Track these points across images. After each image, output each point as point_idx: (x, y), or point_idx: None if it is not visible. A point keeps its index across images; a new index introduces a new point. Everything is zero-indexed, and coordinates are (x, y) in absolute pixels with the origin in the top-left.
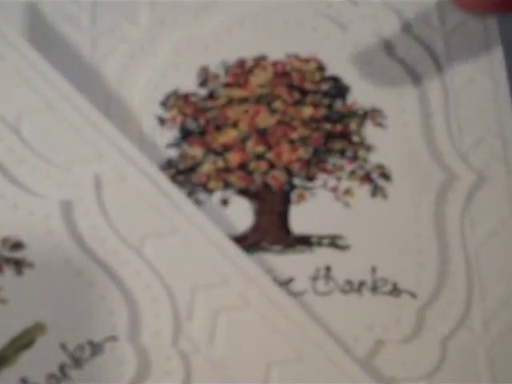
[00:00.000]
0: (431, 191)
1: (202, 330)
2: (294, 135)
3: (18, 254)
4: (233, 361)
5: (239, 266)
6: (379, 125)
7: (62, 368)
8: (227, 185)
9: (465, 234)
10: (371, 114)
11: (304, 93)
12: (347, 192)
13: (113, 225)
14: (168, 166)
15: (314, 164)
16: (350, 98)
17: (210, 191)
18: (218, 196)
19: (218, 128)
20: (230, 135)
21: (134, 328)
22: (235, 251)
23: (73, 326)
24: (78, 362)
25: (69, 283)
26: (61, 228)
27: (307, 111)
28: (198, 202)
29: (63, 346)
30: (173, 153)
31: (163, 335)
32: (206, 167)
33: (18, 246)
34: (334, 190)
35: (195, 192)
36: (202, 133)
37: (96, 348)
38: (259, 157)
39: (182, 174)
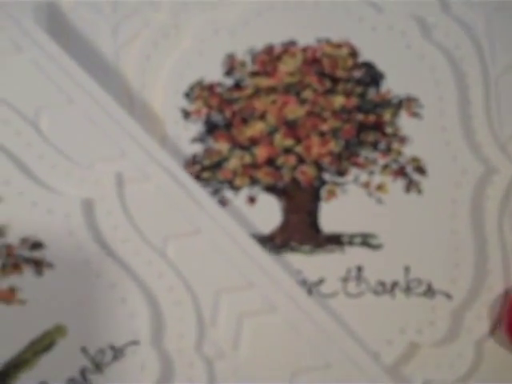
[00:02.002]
0: (469, 185)
1: (226, 334)
2: (325, 127)
3: (37, 254)
4: (257, 368)
5: (265, 269)
6: (415, 114)
7: (83, 372)
8: (254, 181)
9: (503, 230)
10: (406, 103)
11: (335, 81)
12: (380, 187)
13: (135, 225)
14: (193, 162)
15: (346, 158)
16: (385, 86)
17: (236, 188)
18: (244, 193)
19: (245, 120)
20: (257, 128)
21: (156, 332)
22: (261, 253)
23: (94, 329)
24: (98, 367)
25: (89, 285)
26: (81, 227)
27: (338, 101)
28: (224, 200)
29: (84, 350)
30: (198, 148)
31: (186, 340)
32: (233, 163)
33: (37, 245)
34: (366, 185)
35: (221, 189)
36: (228, 126)
37: (117, 352)
38: (287, 151)
39: (207, 170)
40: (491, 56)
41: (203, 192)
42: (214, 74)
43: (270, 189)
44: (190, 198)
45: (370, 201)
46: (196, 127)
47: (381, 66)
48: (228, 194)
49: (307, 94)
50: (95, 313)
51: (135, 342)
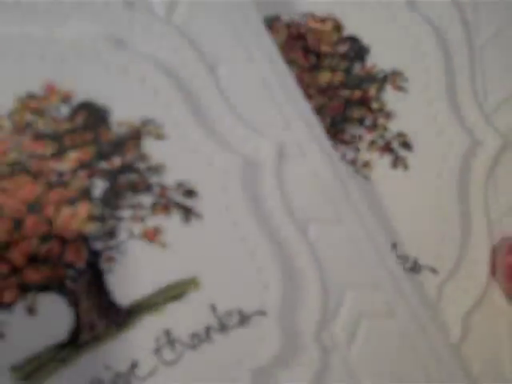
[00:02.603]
0: (455, 159)
1: (343, 328)
2: (311, 104)
3: (188, 202)
4: (364, 368)
5: (392, 275)
6: (400, 88)
7: (208, 330)
8: None
9: (488, 203)
10: (392, 77)
11: (320, 56)
12: (366, 164)
13: (284, 199)
14: None
15: (332, 135)
16: (370, 60)
17: None
18: None
19: None
20: None
21: (283, 308)
22: (391, 258)
23: (226, 290)
24: (224, 328)
25: (232, 247)
26: (236, 187)
27: (324, 77)
28: None
29: (213, 308)
30: None
31: (307, 323)
32: None
33: (191, 193)
34: (353, 162)
35: None
36: None
37: (244, 318)
38: None
39: None
40: (476, 26)
41: (353, 183)
42: None
43: None
44: (341, 187)
45: (357, 178)
46: None
47: (366, 39)
48: None
49: (293, 70)
50: (231, 274)
51: (263, 313)
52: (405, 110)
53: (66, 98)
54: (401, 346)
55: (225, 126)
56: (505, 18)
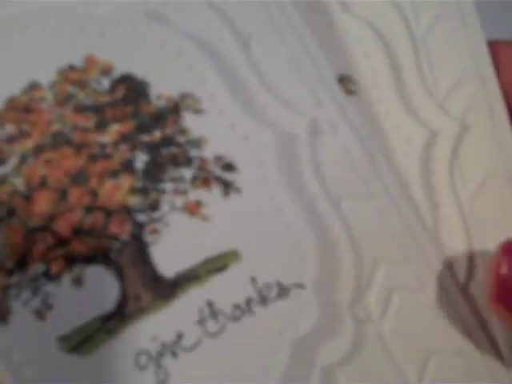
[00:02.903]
0: (415, 153)
1: (377, 302)
2: None
3: (228, 176)
4: (396, 340)
5: (421, 248)
6: (350, 92)
7: (249, 302)
8: None
9: (456, 190)
10: (341, 83)
11: None
12: None
13: (317, 173)
14: None
15: None
16: None
17: None
18: None
19: None
20: None
21: (320, 280)
22: (421, 232)
23: (265, 263)
24: (263, 300)
25: (269, 220)
26: (271, 161)
27: None
28: None
29: (253, 280)
30: None
31: (343, 296)
32: None
33: (230, 167)
34: None
35: None
36: None
37: (283, 291)
38: None
39: None
40: (414, 16)
41: (383, 159)
42: None
43: None
44: (370, 163)
45: None
46: None
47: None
48: None
49: None
50: (269, 248)
51: (301, 285)
52: (358, 113)
53: (105, 71)
54: (431, 319)
55: (259, 102)
56: (441, 4)
